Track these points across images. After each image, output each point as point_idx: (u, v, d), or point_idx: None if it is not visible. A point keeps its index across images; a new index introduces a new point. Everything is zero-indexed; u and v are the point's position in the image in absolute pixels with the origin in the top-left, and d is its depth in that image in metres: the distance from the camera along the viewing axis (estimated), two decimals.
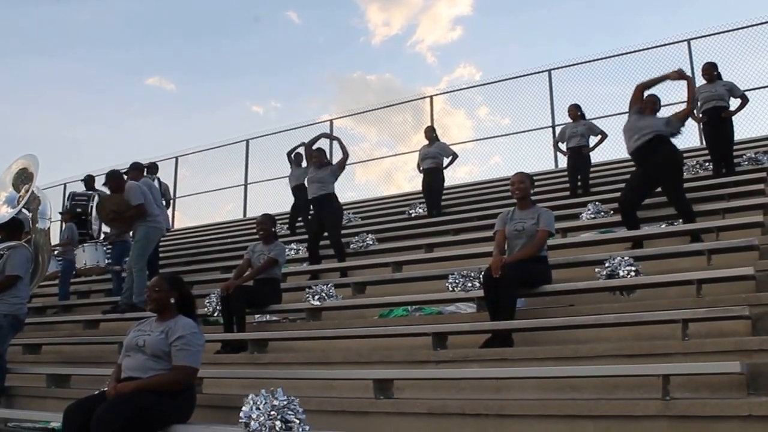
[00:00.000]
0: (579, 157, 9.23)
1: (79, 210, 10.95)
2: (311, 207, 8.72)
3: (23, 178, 7.38)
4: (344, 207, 10.02)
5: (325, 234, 8.18)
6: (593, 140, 9.36)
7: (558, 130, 11.15)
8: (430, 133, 10.17)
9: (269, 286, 6.28)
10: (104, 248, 8.94)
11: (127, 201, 7.39)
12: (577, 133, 9.28)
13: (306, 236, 9.15)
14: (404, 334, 5.09)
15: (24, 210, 7.17)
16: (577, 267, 5.67)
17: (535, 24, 38.26)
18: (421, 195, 10.35)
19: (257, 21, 40.12)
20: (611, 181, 9.24)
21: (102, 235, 10.86)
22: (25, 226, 6.55)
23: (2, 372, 5.73)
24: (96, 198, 10.64)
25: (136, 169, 8.48)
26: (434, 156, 9.90)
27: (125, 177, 7.89)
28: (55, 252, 9.90)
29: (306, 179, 8.77)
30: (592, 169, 9.48)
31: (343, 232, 9.41)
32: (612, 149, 11.66)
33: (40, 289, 10.56)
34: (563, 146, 9.52)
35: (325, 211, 8.14)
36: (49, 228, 8.84)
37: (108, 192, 7.99)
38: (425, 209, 10.11)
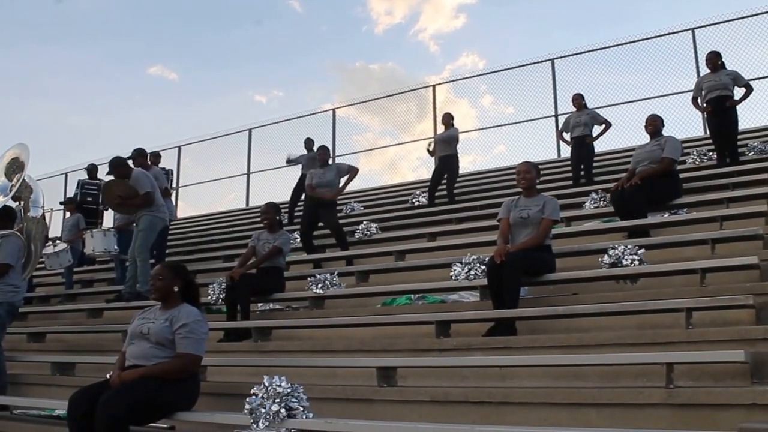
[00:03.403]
0: (582, 146, 9.20)
1: (89, 198, 10.91)
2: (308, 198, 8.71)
3: (15, 167, 7.39)
4: (348, 196, 10.04)
5: (320, 224, 8.27)
6: (597, 129, 9.33)
7: (561, 119, 11.11)
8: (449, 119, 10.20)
9: (273, 275, 6.29)
10: (114, 235, 8.92)
11: (133, 188, 7.32)
12: (581, 122, 9.25)
13: None
14: (408, 322, 5.10)
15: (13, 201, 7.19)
16: (581, 256, 5.66)
17: (538, 12, 38.16)
18: (425, 184, 10.36)
19: (258, 24, 40.04)
20: (615, 171, 9.22)
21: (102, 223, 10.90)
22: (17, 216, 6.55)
23: (1, 359, 5.73)
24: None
25: (142, 155, 8.37)
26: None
27: (131, 164, 7.80)
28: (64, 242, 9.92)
29: (314, 181, 8.46)
30: (595, 159, 9.46)
31: (347, 221, 9.45)
32: (616, 139, 11.67)
33: (44, 278, 10.61)
34: (567, 136, 9.49)
35: (323, 214, 8.23)
36: (42, 216, 8.84)
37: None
38: (428, 198, 10.15)
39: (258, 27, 41.28)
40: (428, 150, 10.21)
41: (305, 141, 11.47)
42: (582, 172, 9.15)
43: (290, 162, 11.46)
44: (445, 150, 9.90)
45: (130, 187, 7.34)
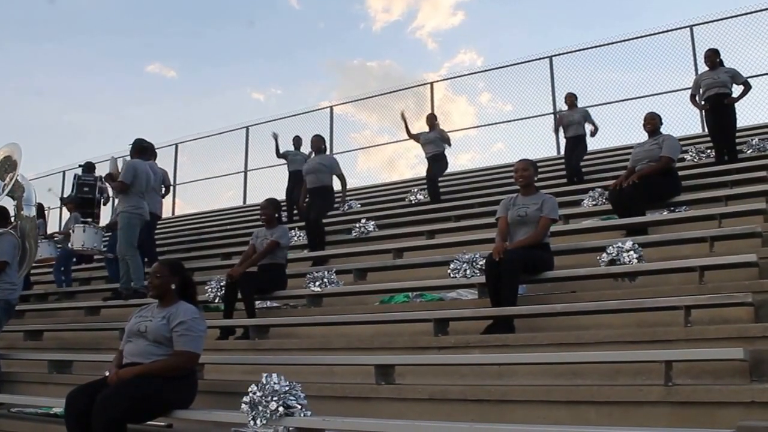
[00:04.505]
0: (578, 145, 9.25)
1: (86, 189, 10.83)
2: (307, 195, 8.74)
3: (6, 166, 7.41)
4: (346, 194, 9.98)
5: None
6: (588, 127, 9.40)
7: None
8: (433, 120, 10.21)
9: (274, 272, 6.27)
10: (96, 233, 8.91)
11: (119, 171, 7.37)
12: (574, 120, 9.34)
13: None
14: (406, 320, 5.09)
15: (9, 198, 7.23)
16: (579, 254, 5.66)
17: (536, 9, 38.14)
18: (423, 181, 10.36)
19: (251, 24, 40.04)
20: (613, 168, 9.22)
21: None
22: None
23: None
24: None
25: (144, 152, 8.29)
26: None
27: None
28: (56, 238, 9.91)
29: (304, 168, 8.75)
30: (591, 157, 9.49)
31: (344, 218, 9.45)
32: (613, 136, 11.69)
33: (42, 275, 10.58)
34: (561, 133, 9.58)
35: (317, 201, 8.25)
36: (40, 213, 8.83)
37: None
38: (425, 195, 10.14)
39: (252, 27, 41.21)
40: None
41: (294, 139, 11.44)
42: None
43: (276, 140, 11.32)
44: (433, 149, 9.94)
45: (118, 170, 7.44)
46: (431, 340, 4.62)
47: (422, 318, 4.91)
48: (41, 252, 9.40)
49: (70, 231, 9.04)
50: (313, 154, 8.57)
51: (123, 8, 40.75)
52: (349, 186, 9.40)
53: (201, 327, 3.88)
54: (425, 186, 10.19)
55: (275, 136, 11.23)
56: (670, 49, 12.31)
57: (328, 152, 10.35)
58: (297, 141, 11.27)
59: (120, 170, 7.34)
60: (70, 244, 9.02)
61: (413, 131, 10.18)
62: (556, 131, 10.36)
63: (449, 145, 10.07)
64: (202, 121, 46.28)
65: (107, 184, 9.22)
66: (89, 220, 9.86)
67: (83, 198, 10.60)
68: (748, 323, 3.85)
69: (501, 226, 5.18)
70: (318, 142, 8.65)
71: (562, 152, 10.85)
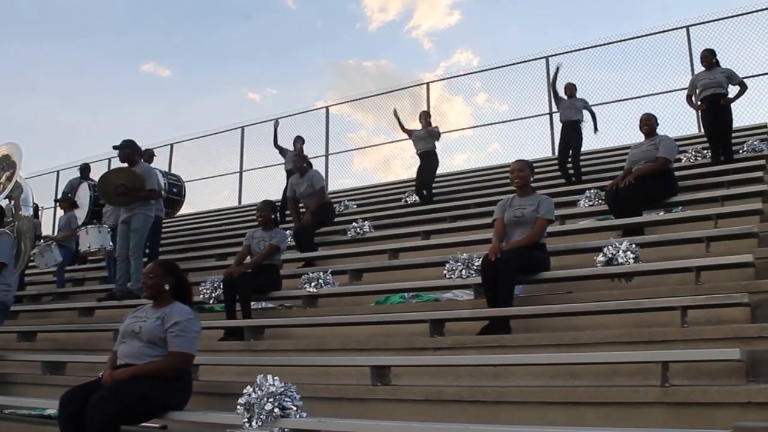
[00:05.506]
0: (572, 131, 9.24)
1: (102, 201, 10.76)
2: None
3: (4, 165, 7.37)
4: (341, 194, 9.96)
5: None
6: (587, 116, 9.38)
7: (556, 117, 11.08)
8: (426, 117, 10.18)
9: (270, 272, 6.25)
10: (108, 232, 8.85)
11: (139, 179, 7.19)
12: (571, 106, 9.30)
13: None
14: (402, 321, 5.08)
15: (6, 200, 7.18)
16: (576, 254, 5.65)
17: (532, 9, 38.17)
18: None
19: (248, 19, 40.02)
20: (609, 169, 9.22)
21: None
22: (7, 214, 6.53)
23: None
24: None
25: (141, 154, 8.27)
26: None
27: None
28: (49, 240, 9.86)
29: (297, 192, 8.68)
30: (588, 157, 9.46)
31: (340, 219, 9.43)
32: (610, 137, 11.68)
33: (36, 276, 10.54)
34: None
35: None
36: (32, 215, 8.81)
37: (119, 159, 7.61)
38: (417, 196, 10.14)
39: (250, 23, 41.17)
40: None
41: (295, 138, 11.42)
42: (569, 165, 9.13)
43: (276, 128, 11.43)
44: (423, 146, 9.90)
45: (135, 177, 7.22)
46: (427, 341, 4.61)
47: (418, 319, 4.90)
48: (54, 258, 9.35)
49: (78, 233, 8.99)
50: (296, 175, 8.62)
51: (117, 7, 40.73)
52: (344, 186, 9.40)
53: (195, 328, 3.86)
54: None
55: (276, 124, 11.35)
56: (666, 49, 12.31)
57: (316, 160, 10.37)
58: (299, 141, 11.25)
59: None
60: (81, 248, 8.96)
61: (408, 127, 10.20)
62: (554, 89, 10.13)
63: (437, 139, 10.06)
64: (198, 121, 46.22)
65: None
66: (94, 221, 9.81)
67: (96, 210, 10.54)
68: (745, 324, 3.85)
69: (497, 227, 5.17)
70: (299, 161, 8.69)
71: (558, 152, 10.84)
